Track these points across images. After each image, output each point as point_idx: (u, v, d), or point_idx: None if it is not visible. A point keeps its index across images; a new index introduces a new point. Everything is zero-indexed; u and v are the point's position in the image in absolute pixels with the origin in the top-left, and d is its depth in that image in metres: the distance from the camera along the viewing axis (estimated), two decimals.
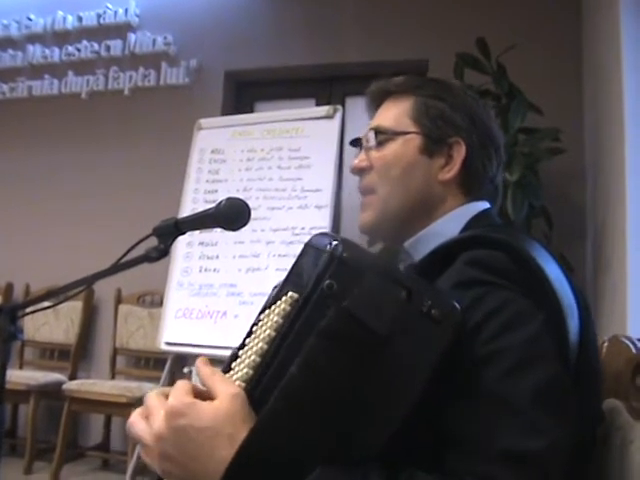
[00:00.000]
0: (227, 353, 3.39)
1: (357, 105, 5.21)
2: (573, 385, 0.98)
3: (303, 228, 3.87)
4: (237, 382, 0.91)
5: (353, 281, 0.88)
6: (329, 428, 0.87)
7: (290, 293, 0.92)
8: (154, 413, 0.92)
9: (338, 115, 4.06)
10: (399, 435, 0.87)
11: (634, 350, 1.13)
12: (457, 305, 0.92)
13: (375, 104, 1.40)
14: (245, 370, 0.91)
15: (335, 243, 0.91)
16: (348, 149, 4.43)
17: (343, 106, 4.27)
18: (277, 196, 4.04)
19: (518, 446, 0.88)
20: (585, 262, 4.01)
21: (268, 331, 0.91)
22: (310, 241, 0.98)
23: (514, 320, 0.97)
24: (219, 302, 3.96)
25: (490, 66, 4.00)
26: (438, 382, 0.89)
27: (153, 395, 0.96)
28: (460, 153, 1.27)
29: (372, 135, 1.34)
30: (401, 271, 0.92)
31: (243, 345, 0.96)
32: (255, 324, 0.96)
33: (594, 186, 4.05)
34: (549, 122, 3.97)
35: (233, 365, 0.95)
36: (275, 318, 0.91)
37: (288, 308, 0.91)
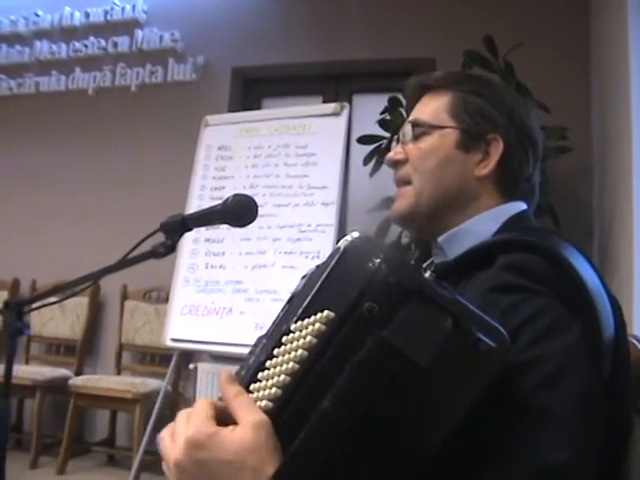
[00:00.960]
0: (232, 350, 3.39)
1: (364, 102, 5.21)
2: (607, 391, 0.98)
3: (309, 225, 3.87)
4: (264, 401, 0.84)
5: (396, 306, 0.81)
6: (362, 462, 0.82)
7: (326, 312, 0.84)
8: (176, 437, 0.86)
9: (345, 112, 4.05)
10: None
11: None
12: (505, 333, 0.86)
13: (414, 98, 1.39)
14: (274, 390, 0.84)
15: (378, 261, 0.83)
16: (355, 146, 4.44)
17: (350, 103, 4.28)
18: (283, 193, 4.03)
19: (552, 459, 0.88)
20: (592, 261, 4.00)
21: (300, 351, 0.84)
22: (349, 248, 0.89)
23: (550, 328, 0.96)
24: (225, 299, 3.96)
25: (497, 64, 3.99)
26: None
27: (182, 414, 0.89)
28: (497, 150, 1.25)
29: (409, 128, 1.33)
30: (447, 294, 0.84)
31: (272, 355, 0.88)
32: (285, 333, 0.88)
33: (601, 184, 4.04)
34: (556, 120, 3.96)
35: (260, 377, 0.88)
36: (308, 338, 0.84)
37: (323, 327, 0.83)
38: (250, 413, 0.83)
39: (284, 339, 0.87)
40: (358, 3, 5.19)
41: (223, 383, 0.88)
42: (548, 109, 3.98)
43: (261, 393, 0.86)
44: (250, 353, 1.00)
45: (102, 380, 4.80)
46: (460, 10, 4.88)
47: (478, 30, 4.09)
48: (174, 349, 4.14)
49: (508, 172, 1.27)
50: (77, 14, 5.98)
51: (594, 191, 4.31)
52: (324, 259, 0.95)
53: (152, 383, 4.71)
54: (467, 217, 1.26)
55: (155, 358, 5.16)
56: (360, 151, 4.39)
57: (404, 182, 1.32)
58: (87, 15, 5.94)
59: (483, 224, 1.24)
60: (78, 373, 5.17)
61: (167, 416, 4.68)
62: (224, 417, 0.86)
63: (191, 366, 4.23)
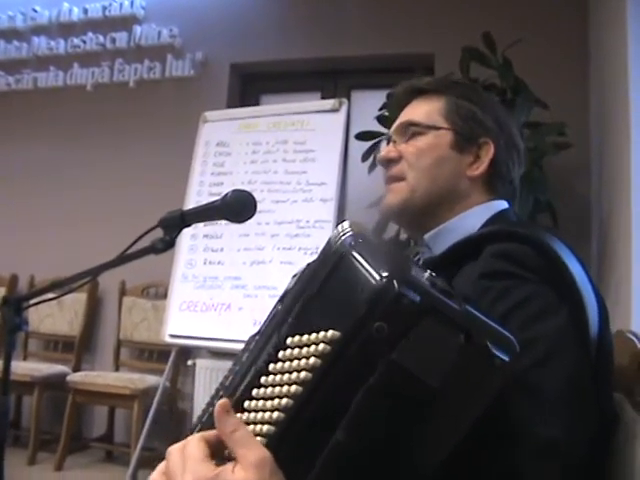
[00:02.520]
0: (231, 346, 3.38)
1: (362, 98, 5.21)
2: (593, 379, 1.01)
3: (308, 221, 3.87)
4: (265, 426, 0.79)
5: (407, 325, 0.75)
6: None
7: (331, 331, 0.77)
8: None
9: (344, 108, 4.05)
10: None
11: (639, 345, 1.12)
12: (514, 341, 0.83)
13: (403, 102, 1.45)
14: (275, 414, 0.79)
15: (386, 275, 0.76)
16: (353, 142, 4.44)
17: (348, 99, 4.27)
18: (282, 189, 4.03)
19: (547, 433, 0.91)
20: (590, 257, 4.01)
21: (304, 373, 0.78)
22: (348, 254, 0.82)
23: (541, 312, 0.99)
24: (223, 295, 3.96)
25: (496, 60, 3.98)
26: None
27: (175, 453, 0.82)
28: (488, 153, 1.33)
29: (403, 128, 1.39)
30: (457, 306, 0.79)
31: (267, 370, 0.83)
32: (282, 347, 0.82)
33: (599, 180, 4.04)
34: (555, 117, 3.96)
35: (255, 394, 0.83)
36: (312, 359, 0.78)
37: (328, 348, 0.77)
38: (251, 450, 0.77)
39: (280, 354, 0.82)
40: None
41: (219, 415, 0.81)
42: (547, 105, 3.97)
43: (260, 415, 0.81)
44: (243, 351, 0.99)
45: (100, 376, 4.79)
46: (458, 6, 4.87)
47: (476, 26, 4.09)
48: (172, 345, 4.15)
49: (497, 174, 1.34)
50: (75, 10, 5.96)
51: (592, 187, 4.30)
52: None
53: (150, 379, 4.70)
54: (455, 215, 1.32)
55: (153, 354, 5.15)
56: (358, 147, 4.38)
57: (397, 179, 1.36)
58: (85, 11, 5.92)
59: (468, 220, 1.30)
60: (76, 369, 5.16)
61: (165, 412, 4.69)
62: (221, 449, 0.81)
63: (189, 362, 4.24)
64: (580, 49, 4.57)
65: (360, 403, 0.76)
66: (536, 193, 3.69)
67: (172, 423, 4.84)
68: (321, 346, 0.77)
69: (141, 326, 5.16)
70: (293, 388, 0.78)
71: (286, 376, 0.80)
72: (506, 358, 0.80)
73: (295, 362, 0.80)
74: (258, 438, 0.79)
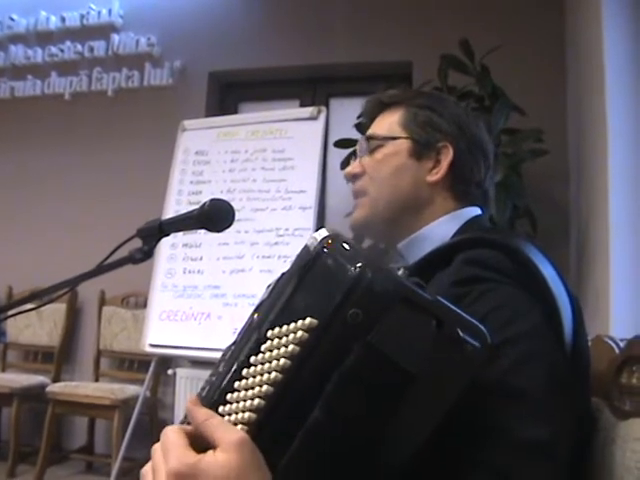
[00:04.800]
0: (211, 355, 3.36)
1: (341, 106, 5.22)
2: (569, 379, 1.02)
3: (287, 229, 3.87)
4: (247, 413, 0.81)
5: (381, 312, 0.79)
6: (352, 467, 0.82)
7: (308, 319, 0.81)
8: (158, 473, 0.80)
9: (322, 116, 4.05)
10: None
11: (617, 350, 1.13)
12: (485, 331, 0.86)
13: (371, 117, 1.47)
14: (256, 401, 0.81)
15: (360, 265, 0.80)
16: (332, 150, 4.45)
17: (327, 107, 4.28)
18: (261, 197, 4.03)
19: (533, 435, 0.92)
20: (568, 262, 4.03)
21: (283, 360, 0.80)
22: (325, 250, 0.86)
23: (517, 313, 1.01)
24: (203, 304, 3.95)
25: (474, 67, 4.01)
26: None
27: (158, 448, 0.83)
28: (447, 156, 1.33)
29: (365, 143, 1.41)
30: (428, 296, 0.83)
31: (248, 362, 0.84)
32: (262, 341, 0.84)
33: (577, 187, 4.06)
34: (532, 123, 3.98)
35: (237, 386, 0.84)
36: (291, 346, 0.80)
37: (306, 335, 0.80)
38: (228, 433, 0.79)
39: (263, 347, 0.84)
40: (335, 7, 5.18)
41: (190, 408, 0.84)
42: (524, 112, 4.00)
43: (241, 404, 0.82)
44: (220, 361, 0.99)
45: (80, 387, 4.76)
46: (437, 14, 4.89)
47: (455, 33, 4.10)
48: (152, 355, 4.13)
49: (459, 177, 1.34)
50: (53, 18, 5.93)
51: (570, 193, 4.33)
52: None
53: (130, 389, 4.68)
54: (424, 223, 1.32)
55: (133, 364, 5.12)
56: (337, 155, 4.39)
57: (361, 193, 1.39)
58: (63, 19, 5.89)
59: (441, 228, 1.30)
60: (56, 380, 5.13)
61: (146, 422, 4.67)
62: (199, 442, 0.81)
63: (170, 371, 4.22)
64: (557, 56, 4.61)
65: (337, 383, 0.79)
66: (514, 199, 3.70)
67: (153, 433, 4.82)
68: (299, 334, 0.81)
69: (121, 336, 5.14)
70: (273, 375, 0.81)
71: (266, 365, 0.82)
72: (477, 344, 0.83)
73: (275, 351, 0.82)
74: (239, 426, 0.81)
